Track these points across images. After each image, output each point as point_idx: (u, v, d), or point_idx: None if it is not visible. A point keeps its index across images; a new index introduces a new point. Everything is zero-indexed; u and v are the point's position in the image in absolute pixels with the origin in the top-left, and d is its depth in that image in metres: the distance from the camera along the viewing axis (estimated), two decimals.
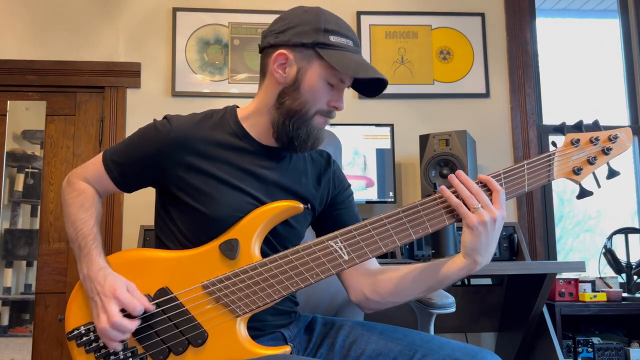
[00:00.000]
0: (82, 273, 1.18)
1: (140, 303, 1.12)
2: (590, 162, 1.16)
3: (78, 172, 1.32)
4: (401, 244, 1.14)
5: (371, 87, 1.25)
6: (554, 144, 1.19)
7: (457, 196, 1.10)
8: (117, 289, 1.11)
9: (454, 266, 1.13)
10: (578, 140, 1.16)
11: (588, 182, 1.17)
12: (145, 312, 1.13)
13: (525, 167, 1.15)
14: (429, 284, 1.19)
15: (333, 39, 1.18)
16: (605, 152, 1.16)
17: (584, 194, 1.17)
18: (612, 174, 1.17)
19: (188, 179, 1.21)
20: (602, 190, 1.18)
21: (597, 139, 1.16)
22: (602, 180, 1.17)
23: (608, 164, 1.17)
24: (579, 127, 1.18)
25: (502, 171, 1.14)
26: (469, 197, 1.09)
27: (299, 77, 1.19)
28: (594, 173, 1.16)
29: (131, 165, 1.25)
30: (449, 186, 1.12)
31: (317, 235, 1.36)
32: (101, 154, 1.30)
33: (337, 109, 1.24)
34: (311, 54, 1.18)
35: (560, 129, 1.18)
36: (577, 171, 1.15)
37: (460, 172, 1.12)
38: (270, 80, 1.24)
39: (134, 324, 1.11)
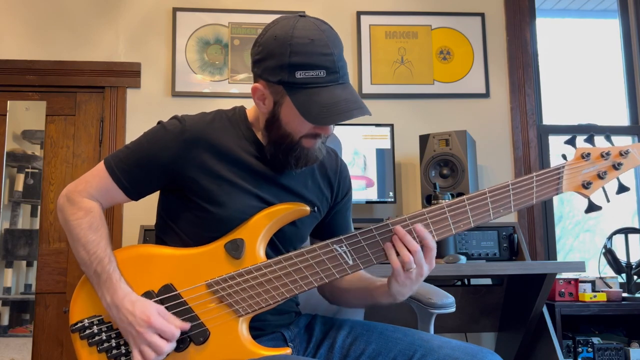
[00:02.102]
0: (106, 301, 1.15)
1: (175, 327, 1.11)
2: (601, 176, 1.15)
3: (80, 188, 1.23)
4: None
5: None
6: (564, 156, 1.18)
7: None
8: (151, 317, 1.10)
9: (383, 297, 1.22)
10: (589, 154, 1.15)
11: (597, 196, 1.16)
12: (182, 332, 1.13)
13: (535, 179, 1.14)
14: (366, 304, 1.32)
15: (299, 75, 1.09)
16: (616, 167, 1.15)
17: (592, 208, 1.16)
18: (621, 189, 1.16)
19: (199, 179, 1.19)
20: (602, 190, 1.17)
21: (608, 153, 1.15)
22: (612, 194, 1.16)
23: (618, 179, 1.16)
24: (590, 140, 1.17)
25: (510, 182, 1.14)
26: (408, 263, 1.10)
27: (276, 110, 1.16)
28: (603, 188, 1.16)
29: (142, 171, 1.21)
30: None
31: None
32: (102, 164, 1.24)
33: (324, 134, 1.18)
34: (282, 89, 1.13)
35: (572, 142, 1.17)
36: (586, 185, 1.15)
37: (398, 228, 1.12)
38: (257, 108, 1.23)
39: (174, 344, 1.12)
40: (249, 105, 1.30)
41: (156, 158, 1.20)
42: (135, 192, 1.24)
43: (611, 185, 1.17)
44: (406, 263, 1.10)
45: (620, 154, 1.15)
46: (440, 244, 2.36)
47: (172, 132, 1.20)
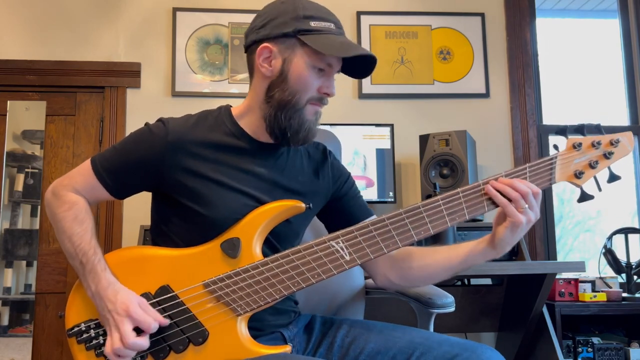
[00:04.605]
0: (90, 290, 1.15)
1: (153, 319, 1.11)
2: (592, 166, 1.16)
3: (65, 183, 1.25)
4: (403, 245, 1.15)
5: (362, 67, 1.25)
6: (555, 147, 1.19)
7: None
8: (130, 307, 1.10)
9: (481, 255, 1.19)
10: (580, 144, 1.16)
11: (589, 186, 1.17)
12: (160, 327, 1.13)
13: (528, 170, 1.15)
14: (455, 271, 1.25)
15: (314, 24, 1.18)
16: (607, 156, 1.16)
17: (584, 197, 1.17)
18: (612, 178, 1.17)
19: (186, 182, 1.19)
20: (603, 190, 1.18)
21: (598, 143, 1.16)
22: (603, 183, 1.17)
23: (609, 168, 1.17)
24: (580, 130, 1.18)
25: (504, 173, 1.14)
26: (517, 200, 1.11)
27: (285, 67, 1.18)
28: (595, 177, 1.17)
29: (126, 172, 1.22)
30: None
31: (329, 231, 1.35)
32: (88, 161, 1.25)
33: (328, 95, 1.22)
34: (294, 42, 1.18)
35: (563, 132, 1.18)
36: (578, 175, 1.16)
37: (502, 178, 1.14)
38: (257, 76, 1.23)
39: (146, 342, 1.11)
40: None
41: (140, 159, 1.21)
42: (118, 192, 1.25)
43: (603, 175, 1.18)
44: (516, 200, 1.10)
45: (611, 143, 1.16)
46: (439, 243, 2.36)
47: (156, 135, 1.20)
